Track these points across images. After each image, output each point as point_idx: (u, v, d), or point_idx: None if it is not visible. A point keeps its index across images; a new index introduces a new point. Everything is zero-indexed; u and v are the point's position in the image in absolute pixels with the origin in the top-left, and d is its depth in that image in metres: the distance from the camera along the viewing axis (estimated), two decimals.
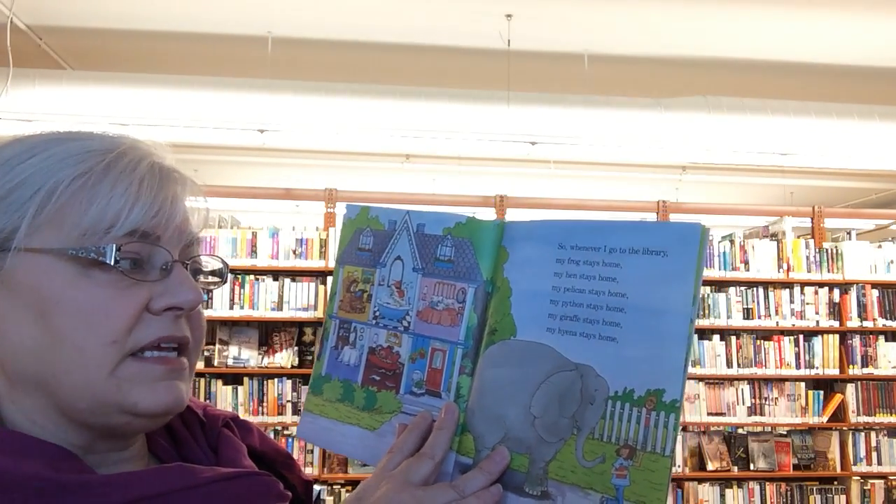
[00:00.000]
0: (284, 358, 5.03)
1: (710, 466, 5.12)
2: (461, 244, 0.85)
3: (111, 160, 0.73)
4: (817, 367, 5.24)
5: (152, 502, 0.68)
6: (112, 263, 0.70)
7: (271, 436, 4.92)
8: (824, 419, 5.21)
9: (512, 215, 5.54)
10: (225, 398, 4.97)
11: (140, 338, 0.72)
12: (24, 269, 0.70)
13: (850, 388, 5.24)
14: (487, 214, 5.67)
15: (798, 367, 5.24)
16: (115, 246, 0.70)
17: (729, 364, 5.23)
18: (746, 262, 5.31)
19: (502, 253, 0.83)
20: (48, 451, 0.68)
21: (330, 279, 5.04)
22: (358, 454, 0.88)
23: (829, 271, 5.32)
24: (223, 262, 0.84)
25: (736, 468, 5.16)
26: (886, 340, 5.36)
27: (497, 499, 0.75)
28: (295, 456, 5.20)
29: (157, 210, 0.73)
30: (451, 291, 0.85)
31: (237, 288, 5.00)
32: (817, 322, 5.27)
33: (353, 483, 5.00)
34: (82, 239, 0.70)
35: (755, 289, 5.29)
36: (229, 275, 5.20)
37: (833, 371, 5.24)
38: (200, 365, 4.96)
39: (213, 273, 0.83)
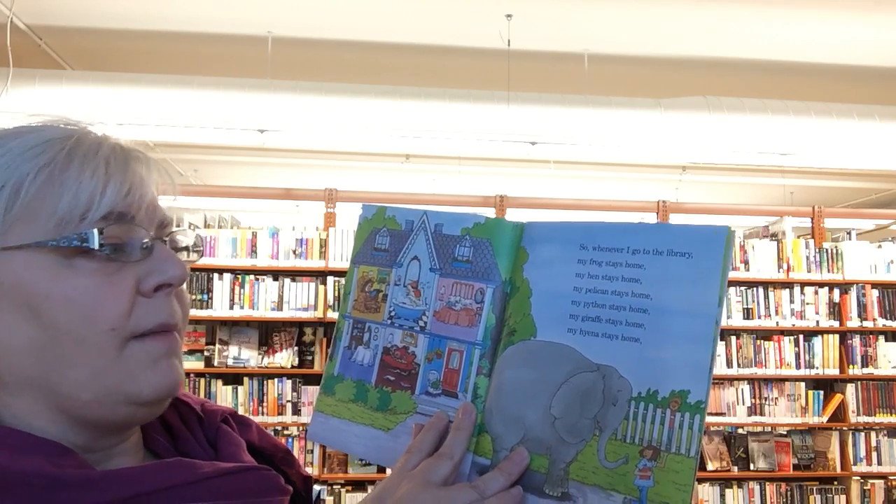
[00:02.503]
0: (284, 358, 5.02)
1: (710, 466, 5.12)
2: (480, 244, 0.85)
3: (71, 146, 0.72)
4: (817, 367, 5.24)
5: (153, 498, 0.68)
6: (97, 248, 0.69)
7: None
8: (824, 419, 5.21)
9: (512, 215, 5.54)
10: (225, 398, 4.96)
11: (139, 323, 0.71)
12: (4, 269, 0.69)
13: (850, 388, 5.24)
14: (487, 215, 5.66)
15: (798, 367, 5.24)
16: (96, 230, 0.69)
17: (729, 364, 5.23)
18: (746, 262, 5.31)
19: (522, 254, 0.83)
20: (46, 448, 0.68)
21: (330, 279, 5.05)
22: (371, 455, 0.88)
23: (829, 271, 5.32)
24: (197, 235, 0.83)
25: (736, 468, 5.17)
26: (886, 340, 5.36)
27: (518, 500, 0.75)
28: (296, 455, 5.18)
29: (128, 189, 0.72)
30: (468, 292, 0.84)
31: (237, 288, 5.00)
32: (817, 322, 5.27)
33: (354, 483, 5.00)
34: (60, 228, 0.68)
35: (755, 289, 5.29)
36: (229, 275, 5.15)
37: (833, 371, 5.24)
38: (200, 365, 4.97)
39: (189, 249, 0.82)
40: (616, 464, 0.72)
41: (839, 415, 5.24)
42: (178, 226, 0.82)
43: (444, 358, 0.84)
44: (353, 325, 0.93)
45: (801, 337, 5.27)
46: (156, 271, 0.72)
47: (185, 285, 0.78)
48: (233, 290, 4.99)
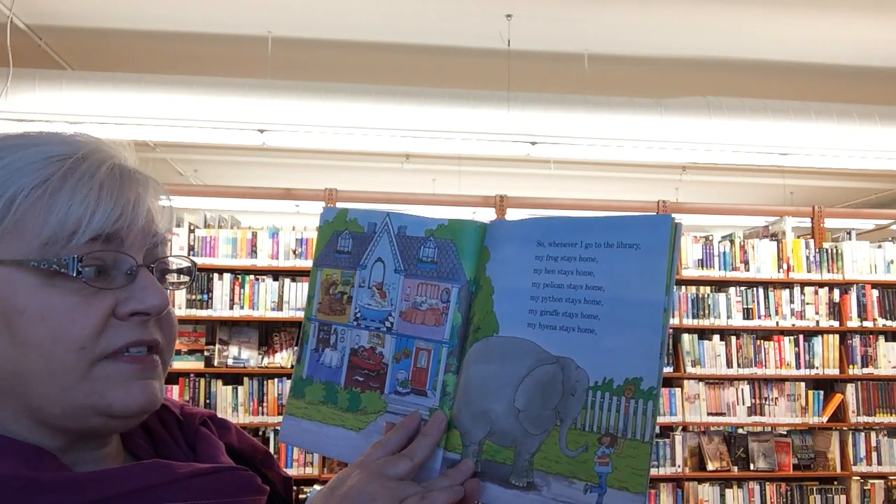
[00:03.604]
0: (284, 358, 5.03)
1: (710, 466, 5.12)
2: (444, 245, 0.87)
3: (70, 166, 0.72)
4: (817, 367, 5.24)
5: (131, 498, 0.68)
6: (74, 275, 0.69)
7: (271, 436, 4.93)
8: (824, 419, 5.20)
9: (512, 215, 5.54)
10: (225, 398, 4.97)
11: (109, 343, 0.72)
12: None
13: (850, 388, 5.23)
14: (487, 214, 5.66)
15: (798, 367, 5.24)
16: (76, 257, 0.69)
17: (729, 364, 5.22)
18: (746, 262, 5.31)
19: (484, 253, 0.85)
20: (23, 451, 0.68)
21: None
22: (343, 455, 0.89)
23: (829, 271, 5.32)
24: (191, 260, 0.83)
25: (736, 468, 5.16)
26: (886, 340, 5.36)
27: (460, 494, 0.77)
28: (295, 456, 5.10)
29: (118, 215, 0.72)
30: (434, 292, 0.86)
31: (237, 288, 5.01)
32: (817, 322, 5.27)
33: None
34: (44, 249, 0.69)
35: (755, 289, 5.29)
36: (229, 275, 5.15)
37: (833, 371, 5.24)
38: (200, 365, 4.97)
39: (180, 272, 0.82)
40: (576, 452, 0.75)
41: (839, 415, 5.23)
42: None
43: (412, 357, 0.86)
44: (318, 328, 0.94)
45: (801, 337, 5.26)
46: (134, 298, 0.73)
47: (172, 311, 0.78)
48: (233, 290, 5.00)
